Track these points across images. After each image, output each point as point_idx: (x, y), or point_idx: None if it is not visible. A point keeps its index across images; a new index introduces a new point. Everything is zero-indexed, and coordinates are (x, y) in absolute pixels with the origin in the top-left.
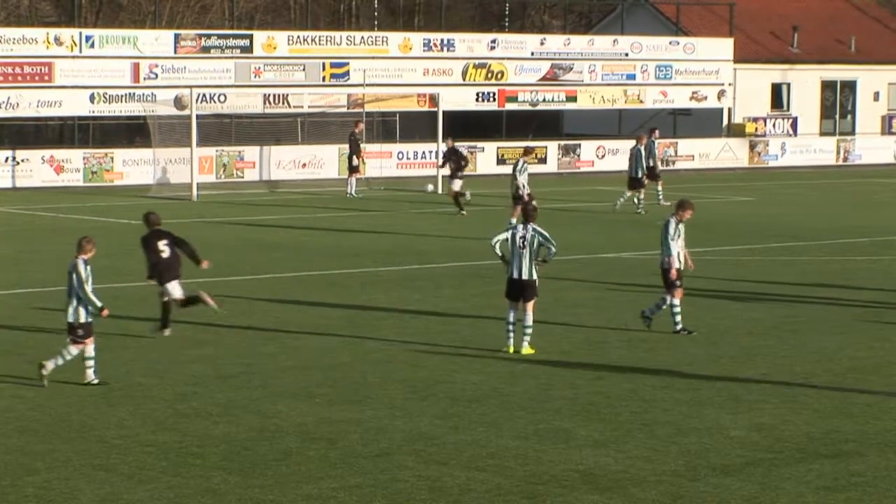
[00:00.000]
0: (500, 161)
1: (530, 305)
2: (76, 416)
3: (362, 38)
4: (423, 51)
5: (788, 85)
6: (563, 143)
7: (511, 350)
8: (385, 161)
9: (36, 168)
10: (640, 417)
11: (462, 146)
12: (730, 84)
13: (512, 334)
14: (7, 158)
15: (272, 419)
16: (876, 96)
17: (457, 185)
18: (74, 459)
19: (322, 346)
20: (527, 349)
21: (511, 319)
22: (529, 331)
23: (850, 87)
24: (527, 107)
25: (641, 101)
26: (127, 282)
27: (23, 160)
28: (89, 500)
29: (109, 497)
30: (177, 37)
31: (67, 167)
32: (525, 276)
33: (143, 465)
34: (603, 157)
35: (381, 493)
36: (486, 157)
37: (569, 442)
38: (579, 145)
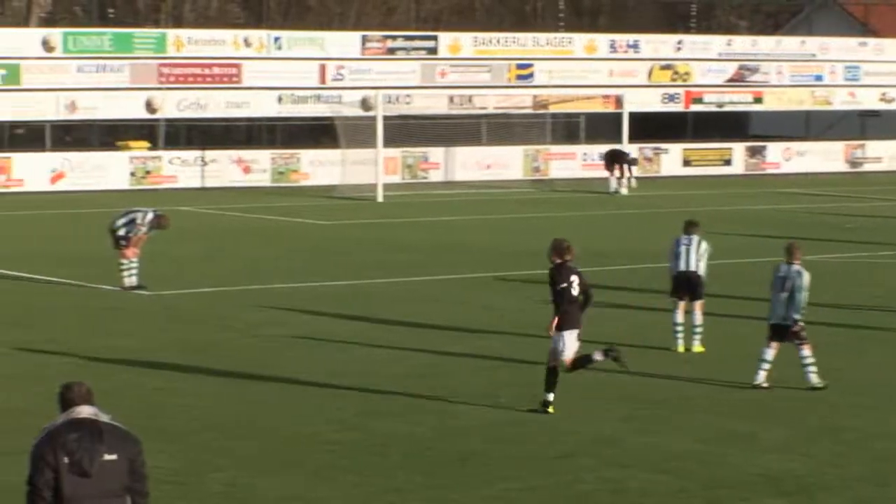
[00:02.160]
0: (686, 163)
1: (698, 305)
2: (260, 414)
3: (547, 39)
4: (609, 52)
5: None
6: (749, 144)
7: (682, 349)
8: (569, 162)
9: (224, 168)
10: (826, 422)
11: (647, 147)
12: None
13: (680, 335)
14: (196, 159)
15: (455, 419)
16: None
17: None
18: (259, 457)
19: (508, 346)
20: (698, 347)
21: (678, 320)
22: (700, 329)
23: None
24: (713, 108)
25: (829, 103)
26: (312, 281)
27: (211, 161)
28: (273, 497)
29: (293, 495)
30: (363, 38)
31: (255, 167)
32: (692, 268)
33: (326, 463)
34: (790, 159)
35: (563, 494)
36: (670, 159)
37: (752, 445)
38: (765, 147)
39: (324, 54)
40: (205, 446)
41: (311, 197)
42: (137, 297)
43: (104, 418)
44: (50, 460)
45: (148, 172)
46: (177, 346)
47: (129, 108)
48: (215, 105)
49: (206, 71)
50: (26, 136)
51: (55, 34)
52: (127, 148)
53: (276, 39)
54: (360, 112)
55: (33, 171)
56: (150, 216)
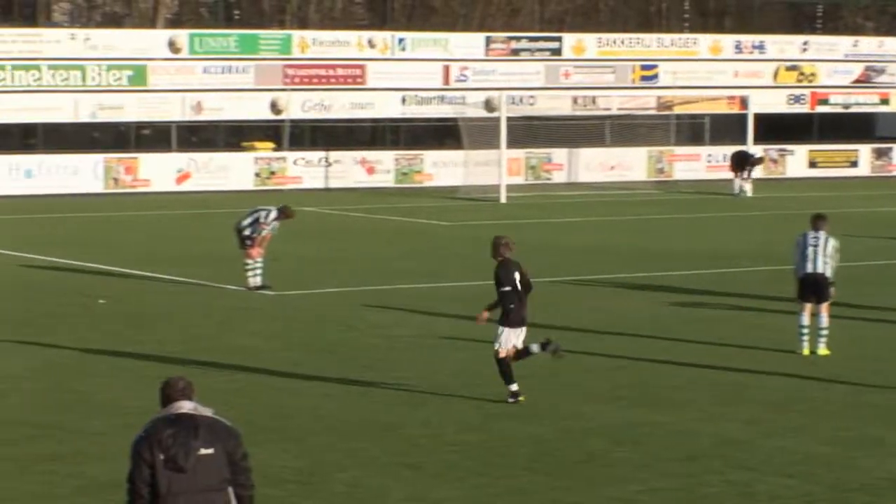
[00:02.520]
0: (812, 165)
1: (825, 307)
2: (383, 414)
3: (672, 40)
4: (734, 53)
5: None
6: (875, 146)
7: (807, 352)
8: (693, 164)
9: (348, 169)
10: None
11: (772, 149)
12: None
13: (806, 338)
14: (320, 159)
15: (577, 420)
16: None
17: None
18: (382, 458)
19: (629, 348)
20: (823, 350)
21: (804, 322)
22: (825, 332)
23: None
24: (839, 109)
25: None
26: (434, 282)
27: (335, 161)
28: (397, 498)
29: (417, 495)
30: (487, 39)
31: (378, 168)
32: (819, 270)
33: (449, 464)
34: None
35: (687, 497)
36: (796, 161)
37: (880, 449)
38: (892, 149)
39: (448, 55)
40: (328, 446)
41: (434, 198)
42: (262, 298)
43: (204, 412)
44: (147, 457)
45: (272, 173)
46: (300, 346)
47: (255, 109)
48: (339, 106)
49: (331, 72)
50: (153, 137)
51: (181, 35)
52: (252, 149)
53: (401, 41)
54: (484, 113)
55: (159, 172)
56: (273, 214)
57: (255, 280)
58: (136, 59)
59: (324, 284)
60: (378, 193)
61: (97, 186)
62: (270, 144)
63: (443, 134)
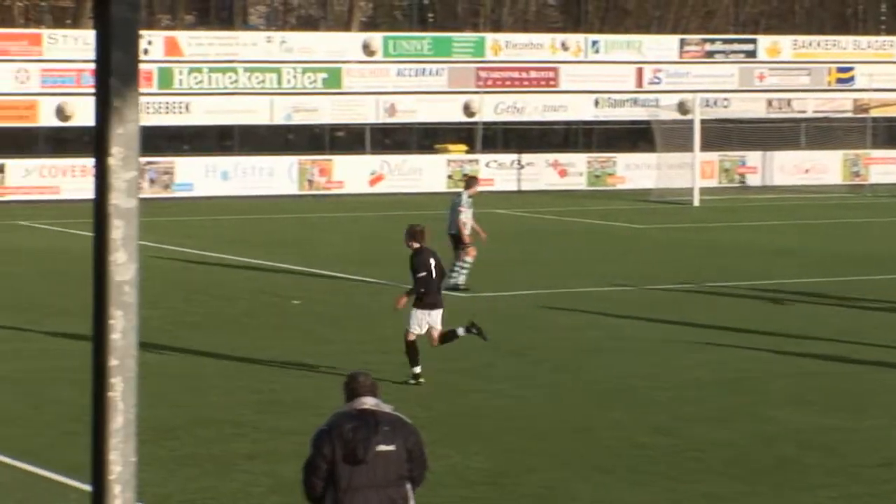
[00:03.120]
0: None
1: None
2: (574, 417)
3: (869, 42)
4: None
5: None
6: None
7: None
8: (890, 167)
9: (540, 171)
10: None
11: None
12: None
13: None
14: (512, 162)
15: (769, 425)
16: None
17: None
18: (573, 460)
19: (821, 352)
20: None
21: None
22: None
23: None
24: None
25: None
26: (625, 285)
27: (528, 164)
28: (588, 500)
29: (608, 498)
30: (681, 42)
31: (571, 171)
32: None
33: (640, 467)
34: None
35: None
36: None
37: None
38: None
39: (641, 58)
40: (519, 448)
41: (627, 201)
42: (456, 299)
43: (385, 409)
44: (326, 451)
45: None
46: (491, 347)
47: (447, 111)
48: (532, 108)
49: (524, 75)
50: (347, 139)
51: (376, 38)
52: (445, 151)
53: (594, 43)
54: (678, 116)
55: (353, 174)
56: (462, 195)
57: (459, 279)
58: (332, 61)
59: (515, 286)
60: (570, 196)
61: (292, 188)
62: (463, 147)
63: (635, 136)
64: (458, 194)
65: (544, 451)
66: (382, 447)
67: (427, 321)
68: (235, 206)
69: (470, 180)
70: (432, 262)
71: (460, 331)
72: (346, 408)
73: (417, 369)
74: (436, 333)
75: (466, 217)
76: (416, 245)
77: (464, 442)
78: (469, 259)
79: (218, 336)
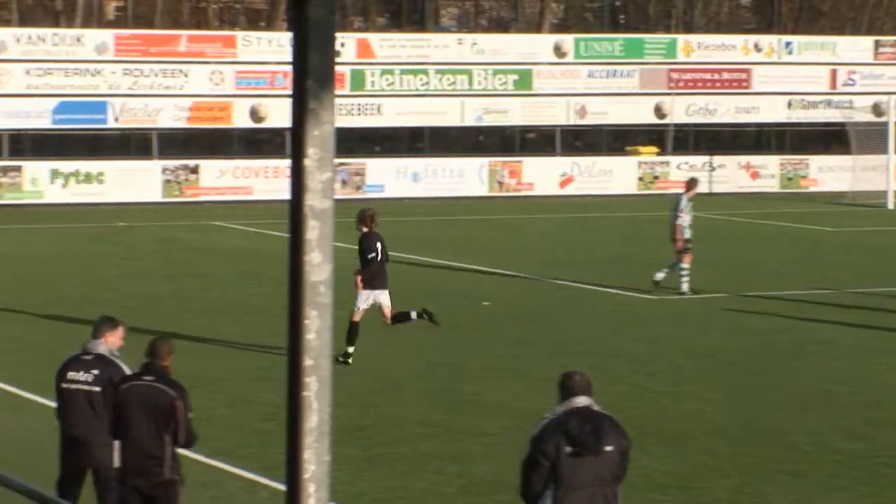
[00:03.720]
0: None
1: None
2: (763, 420)
3: None
4: None
5: None
6: None
7: None
8: None
9: (732, 173)
10: None
11: None
12: None
13: None
14: (704, 164)
15: None
16: None
17: None
18: (764, 464)
19: None
20: None
21: None
22: None
23: None
24: None
25: None
26: (818, 288)
27: (719, 166)
28: None
29: (800, 503)
30: (876, 43)
31: (763, 173)
32: None
33: (834, 472)
34: None
35: None
36: None
37: None
38: None
39: (835, 59)
40: (710, 451)
41: (820, 203)
42: (643, 302)
43: (597, 408)
44: (549, 449)
45: (656, 178)
46: (682, 350)
47: (638, 113)
48: (724, 110)
49: (716, 76)
50: (537, 141)
51: (567, 40)
52: (636, 153)
53: (787, 44)
54: (872, 118)
55: (543, 175)
56: (682, 198)
57: (683, 287)
58: (522, 63)
59: (706, 289)
60: (762, 198)
61: (482, 190)
62: (654, 149)
63: (829, 138)
64: (678, 197)
65: (734, 455)
66: (605, 448)
67: (374, 300)
68: (425, 208)
69: (690, 183)
70: (379, 245)
71: (413, 314)
72: (562, 407)
73: (351, 349)
74: (388, 312)
75: (684, 222)
76: (366, 229)
77: (654, 444)
78: (685, 265)
79: (407, 336)
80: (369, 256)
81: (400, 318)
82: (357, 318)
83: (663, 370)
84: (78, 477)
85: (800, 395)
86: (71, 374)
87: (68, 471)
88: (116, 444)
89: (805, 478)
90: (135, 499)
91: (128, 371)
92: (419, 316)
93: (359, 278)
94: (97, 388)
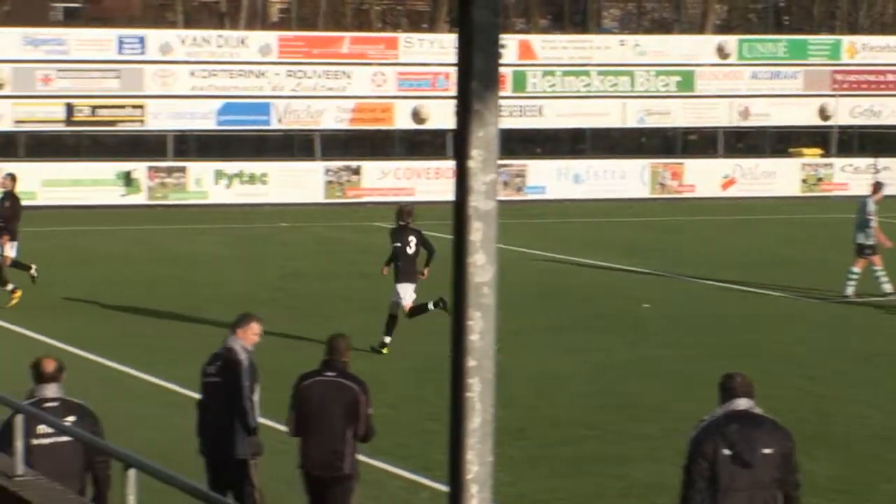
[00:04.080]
0: None
1: None
2: None
3: None
4: None
5: None
6: None
7: None
8: None
9: None
10: None
11: None
12: None
13: None
14: (868, 166)
15: None
16: None
17: None
18: None
19: None
20: None
21: None
22: None
23: None
24: None
25: None
26: None
27: (884, 168)
28: None
29: None
30: None
31: None
32: None
33: None
34: None
35: None
36: None
37: None
38: None
39: None
40: (874, 456)
41: None
42: (807, 305)
43: (757, 411)
44: (707, 451)
45: (819, 180)
46: (846, 354)
47: (802, 115)
48: (889, 112)
49: (881, 78)
50: (699, 142)
51: (730, 41)
52: (799, 155)
53: None
54: None
55: (705, 177)
56: (868, 200)
57: (885, 286)
58: (685, 64)
59: (869, 293)
60: None
61: (643, 191)
62: (818, 150)
63: None
64: (864, 201)
65: None
66: (764, 450)
67: (403, 293)
68: (587, 209)
69: (876, 186)
70: (413, 239)
71: (430, 305)
72: (721, 410)
73: (388, 339)
74: (407, 305)
75: (875, 223)
76: (402, 223)
77: (817, 448)
78: (879, 266)
79: (567, 339)
80: (394, 245)
81: (418, 310)
82: (407, 308)
83: (826, 374)
84: (216, 466)
85: None
86: (207, 369)
87: (207, 462)
88: (297, 439)
89: None
90: (314, 490)
91: (246, 364)
92: (435, 305)
93: (385, 268)
94: (220, 380)
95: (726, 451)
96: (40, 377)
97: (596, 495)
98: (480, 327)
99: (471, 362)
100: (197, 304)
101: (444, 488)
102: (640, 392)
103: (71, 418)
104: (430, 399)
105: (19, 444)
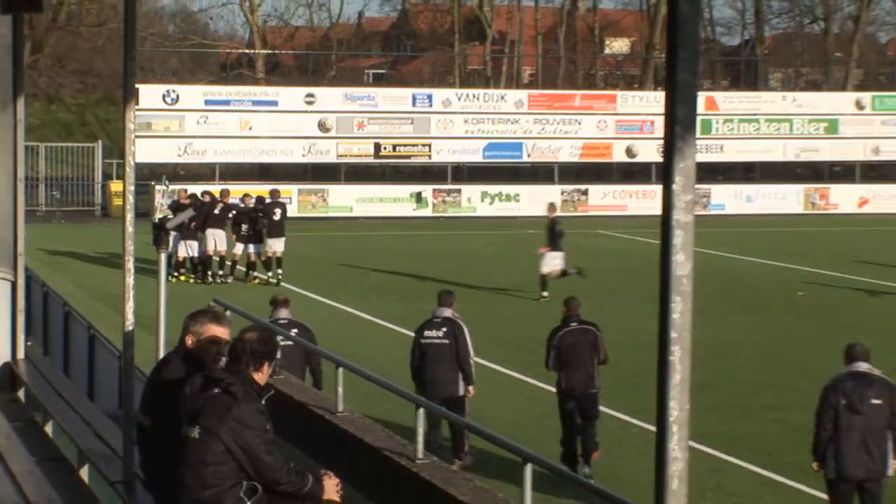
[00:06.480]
0: None
1: None
2: None
3: None
4: None
5: None
6: None
7: None
8: None
9: None
10: None
11: None
12: None
13: None
14: None
15: None
16: None
17: None
18: None
19: None
20: None
21: None
22: None
23: None
24: None
25: None
26: None
27: None
28: None
29: None
30: None
31: None
32: None
33: None
34: None
35: None
36: None
37: None
38: None
39: None
40: None
41: None
42: None
43: (876, 372)
44: (832, 399)
45: None
46: None
47: None
48: None
49: None
50: (841, 172)
51: (865, 97)
52: None
53: None
54: None
55: (846, 198)
56: None
57: None
58: (831, 114)
59: None
60: None
61: (798, 209)
62: None
63: None
64: None
65: None
66: (874, 401)
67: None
68: (756, 222)
69: None
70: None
71: (571, 271)
72: (845, 369)
73: (546, 294)
74: (556, 271)
75: None
76: (554, 214)
77: None
78: None
79: (738, 318)
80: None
81: (562, 275)
82: (545, 271)
83: None
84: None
85: None
86: (427, 333)
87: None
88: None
89: None
90: (573, 406)
91: (465, 327)
92: (576, 271)
93: (542, 249)
94: (446, 341)
95: (843, 401)
96: (276, 304)
97: (761, 434)
98: (680, 308)
99: (673, 334)
100: (477, 289)
101: (651, 427)
102: (800, 357)
103: (294, 331)
104: (640, 360)
105: (340, 390)
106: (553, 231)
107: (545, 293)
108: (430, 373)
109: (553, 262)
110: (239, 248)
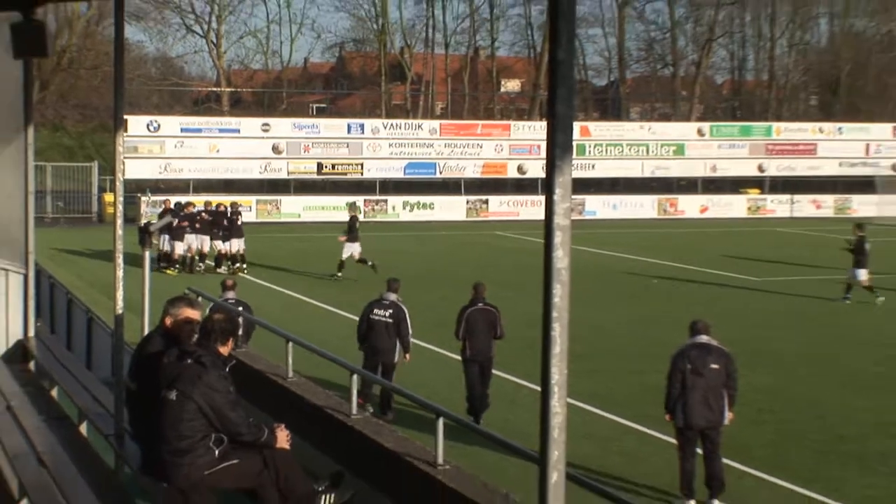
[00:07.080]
0: None
1: None
2: None
3: None
4: None
5: None
6: None
7: None
8: None
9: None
10: None
11: None
12: None
13: None
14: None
15: None
16: None
17: None
18: None
19: None
20: None
21: None
22: None
23: None
24: None
25: None
26: None
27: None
28: None
29: None
30: (894, 129)
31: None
32: None
33: None
34: None
35: None
36: None
37: None
38: None
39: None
40: None
41: None
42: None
43: (714, 343)
44: (680, 365)
45: (758, 208)
46: None
47: (747, 168)
48: (802, 167)
49: (796, 147)
50: (685, 186)
51: (705, 126)
52: (745, 193)
53: (839, 129)
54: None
55: (691, 206)
56: None
57: None
58: (678, 139)
59: None
60: None
61: (654, 214)
62: (758, 190)
63: None
64: None
65: None
66: (713, 365)
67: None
68: (620, 224)
69: None
70: None
71: (368, 263)
72: (689, 341)
73: (339, 274)
74: (355, 256)
75: None
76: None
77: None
78: None
79: (608, 303)
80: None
81: (361, 261)
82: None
83: None
84: (375, 370)
85: None
86: (376, 310)
87: (370, 366)
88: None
89: None
90: (476, 370)
91: (406, 310)
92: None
93: None
94: (391, 321)
95: (689, 366)
96: (225, 287)
97: (625, 392)
98: (560, 294)
99: (554, 314)
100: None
101: (538, 388)
102: (652, 331)
103: (240, 308)
104: (527, 336)
105: (290, 360)
106: (352, 226)
107: (339, 273)
108: (375, 343)
109: (351, 249)
110: (218, 244)
